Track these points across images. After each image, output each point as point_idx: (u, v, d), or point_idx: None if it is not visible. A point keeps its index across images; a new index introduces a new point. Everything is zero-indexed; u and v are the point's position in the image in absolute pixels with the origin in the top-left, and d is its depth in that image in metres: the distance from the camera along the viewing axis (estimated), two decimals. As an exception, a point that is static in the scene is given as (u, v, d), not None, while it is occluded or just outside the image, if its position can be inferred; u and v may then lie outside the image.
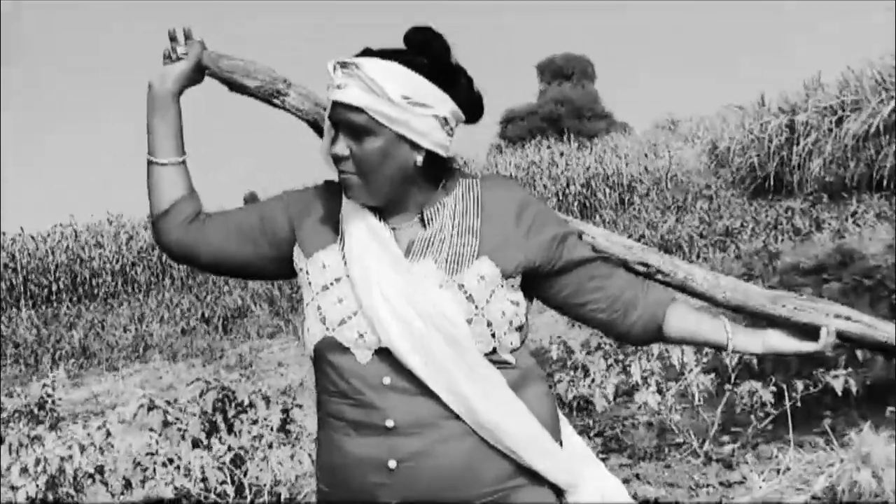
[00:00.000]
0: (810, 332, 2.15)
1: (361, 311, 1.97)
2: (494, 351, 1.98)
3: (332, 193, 2.13)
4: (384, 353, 1.96)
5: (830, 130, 18.09)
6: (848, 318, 2.16)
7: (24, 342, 14.61)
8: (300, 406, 6.03)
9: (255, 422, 5.83)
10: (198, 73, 2.23)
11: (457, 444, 1.94)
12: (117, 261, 22.08)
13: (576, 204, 21.78)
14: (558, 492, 2.06)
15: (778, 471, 5.09)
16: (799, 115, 18.99)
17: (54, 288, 21.22)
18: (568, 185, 22.06)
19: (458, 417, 1.95)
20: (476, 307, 1.95)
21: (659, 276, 2.22)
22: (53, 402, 8.21)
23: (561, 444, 2.08)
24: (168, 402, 5.96)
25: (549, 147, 25.20)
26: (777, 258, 12.46)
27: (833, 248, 12.31)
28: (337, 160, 2.00)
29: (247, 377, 6.36)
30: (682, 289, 2.23)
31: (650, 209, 19.82)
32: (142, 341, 13.68)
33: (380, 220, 2.04)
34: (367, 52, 2.00)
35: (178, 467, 5.52)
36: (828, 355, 2.34)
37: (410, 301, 1.94)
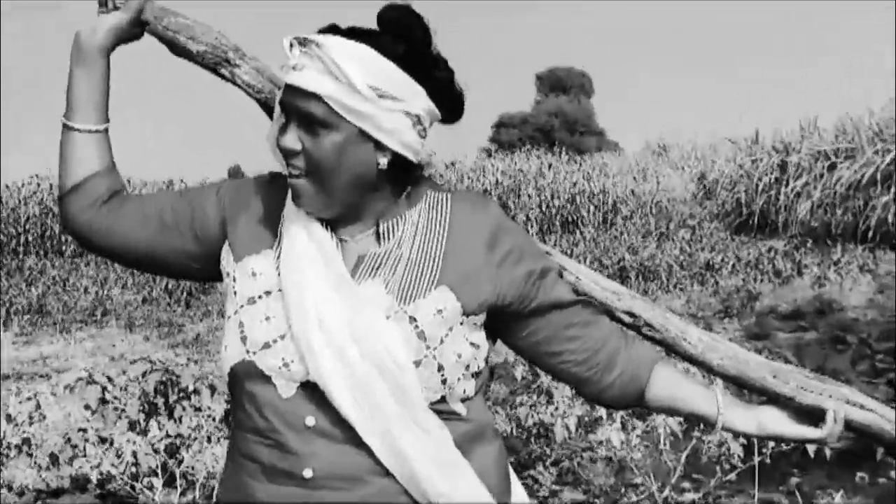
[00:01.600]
0: (811, 413, 1.85)
1: (290, 335, 1.65)
2: (443, 399, 1.67)
3: (276, 188, 1.79)
4: (311, 389, 1.63)
5: (822, 175, 18.02)
6: (863, 407, 1.85)
7: (-19, 292, 14.29)
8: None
9: (197, 409, 5.54)
10: (136, 28, 1.89)
11: None
12: (88, 220, 21.75)
13: (558, 218, 21.61)
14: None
15: (738, 528, 4.84)
16: (792, 156, 18.94)
17: (22, 240, 20.88)
18: (552, 199, 21.90)
19: (388, 474, 1.63)
20: (427, 346, 1.63)
21: (646, 330, 1.89)
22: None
23: None
24: (109, 379, 5.66)
25: (538, 157, 25.01)
26: (756, 299, 12.28)
27: (812, 296, 12.17)
28: (286, 154, 1.67)
29: (195, 361, 6.07)
30: (672, 348, 1.90)
31: (632, 232, 19.67)
32: (100, 305, 13.34)
33: (327, 227, 1.72)
34: (332, 30, 1.67)
35: (108, 448, 5.23)
36: (831, 447, 2.04)
37: (351, 331, 1.62)
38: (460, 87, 1.75)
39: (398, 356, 1.61)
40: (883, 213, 16.08)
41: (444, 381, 1.65)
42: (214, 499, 5.08)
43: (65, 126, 1.84)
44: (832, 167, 17.94)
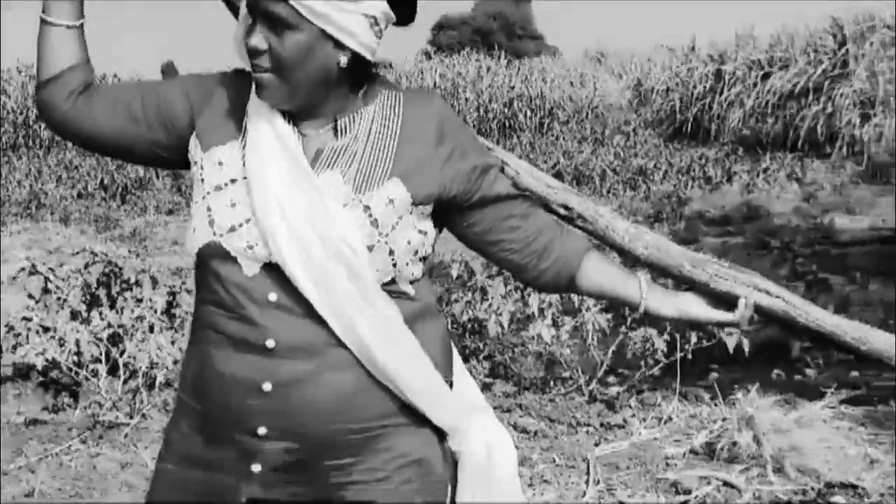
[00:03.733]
0: (728, 301, 2.03)
1: (254, 220, 1.79)
2: (393, 281, 1.83)
3: (240, 84, 1.91)
4: (273, 268, 1.79)
5: (755, 84, 18.20)
6: (768, 293, 2.04)
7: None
8: (189, 291, 5.85)
9: (139, 301, 5.64)
10: None
11: (339, 373, 1.80)
12: (21, 112, 21.38)
13: (495, 122, 21.67)
14: (441, 436, 1.93)
15: (660, 419, 5.08)
16: (727, 65, 19.09)
17: (-46, 134, 20.50)
18: (490, 102, 21.90)
19: (343, 346, 1.80)
20: (380, 233, 1.79)
21: (579, 222, 2.06)
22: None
23: (451, 385, 1.95)
24: (51, 269, 5.73)
25: (477, 60, 24.93)
26: (686, 204, 12.54)
27: (741, 202, 12.45)
28: (252, 54, 1.78)
29: (136, 254, 6.15)
30: (602, 238, 2.08)
31: (568, 137, 19.79)
32: (35, 199, 13.26)
33: (289, 122, 1.84)
34: None
35: (52, 337, 5.33)
36: (742, 329, 2.23)
37: (309, 218, 1.77)
38: None
39: (353, 241, 1.76)
40: (813, 122, 16.34)
41: (394, 265, 1.81)
42: (157, 386, 5.24)
43: (42, 21, 1.93)
44: (766, 76, 18.14)
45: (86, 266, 5.62)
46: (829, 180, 13.98)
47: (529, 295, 5.60)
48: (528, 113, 21.90)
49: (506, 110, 21.88)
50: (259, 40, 1.76)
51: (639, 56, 27.77)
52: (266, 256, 1.78)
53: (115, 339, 5.38)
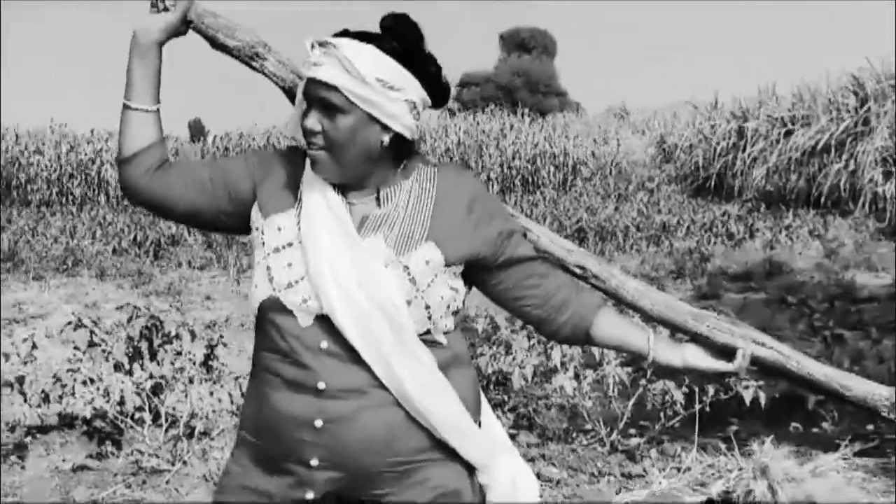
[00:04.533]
0: (728, 352, 2.29)
1: (308, 278, 2.07)
2: (429, 332, 2.10)
3: (294, 159, 2.21)
4: (324, 320, 2.06)
5: (778, 141, 18.40)
6: (763, 345, 2.29)
7: (-49, 240, 14.43)
8: (225, 344, 6.11)
9: (178, 353, 5.89)
10: (183, 26, 2.28)
11: (381, 412, 2.07)
12: (55, 170, 21.87)
13: (518, 178, 21.93)
14: (471, 471, 2.18)
15: (678, 469, 5.26)
16: (750, 122, 19.31)
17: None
18: (514, 159, 22.19)
19: (385, 388, 2.07)
20: (417, 289, 2.07)
21: (593, 281, 2.35)
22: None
23: (480, 424, 2.21)
24: (94, 322, 6.00)
25: (500, 117, 25.26)
26: (708, 260, 12.69)
27: (763, 258, 12.60)
28: (308, 134, 2.08)
29: (176, 308, 6.41)
30: (614, 296, 2.36)
31: (591, 194, 20.04)
32: (71, 255, 13.58)
33: (338, 192, 2.13)
34: (344, 34, 2.08)
35: (97, 388, 5.58)
36: (741, 378, 2.48)
37: (356, 275, 2.05)
38: (446, 80, 2.18)
39: (394, 297, 2.05)
40: (835, 179, 16.51)
41: (429, 318, 2.10)
42: (196, 435, 5.47)
43: (125, 106, 2.23)
44: (788, 134, 18.36)
45: (129, 320, 5.87)
46: (851, 237, 14.12)
47: (552, 349, 5.82)
48: (552, 169, 22.17)
49: (529, 166, 22.16)
50: (314, 122, 2.06)
51: (661, 112, 28.09)
52: (318, 309, 2.06)
53: (156, 391, 5.63)
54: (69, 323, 5.83)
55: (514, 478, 2.20)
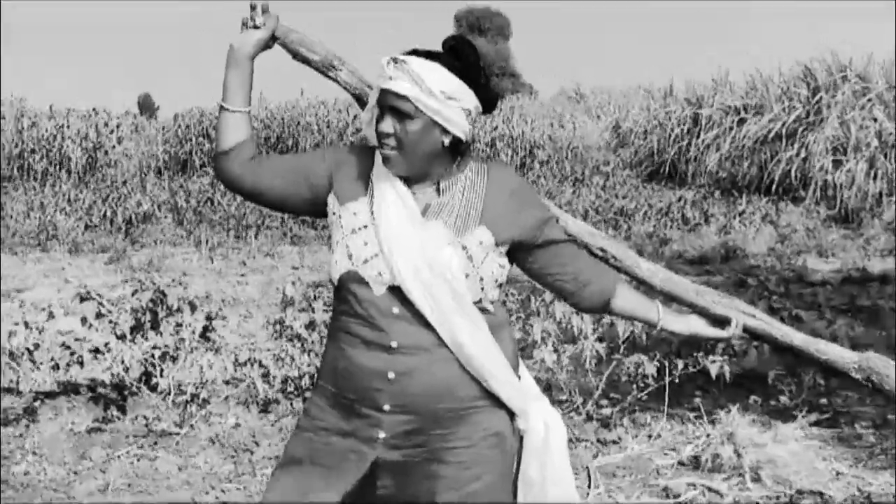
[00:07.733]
0: (721, 322, 2.77)
1: (382, 255, 2.48)
2: (480, 301, 2.52)
3: (364, 154, 2.62)
4: (396, 290, 2.48)
5: (731, 129, 18.77)
6: (753, 316, 2.79)
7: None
8: (224, 318, 6.48)
9: (178, 325, 6.22)
10: (271, 41, 2.68)
11: (443, 365, 2.49)
12: (16, 145, 21.88)
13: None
14: (511, 417, 2.61)
15: (650, 436, 5.70)
16: (704, 109, 19.64)
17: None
18: (473, 141, 22.31)
19: (446, 346, 2.48)
20: (473, 265, 2.49)
21: (612, 261, 2.80)
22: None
23: (519, 378, 2.64)
24: (99, 295, 6.32)
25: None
26: (666, 244, 13.13)
27: (718, 243, 13.05)
28: (382, 136, 2.48)
29: (179, 282, 6.69)
30: (629, 273, 2.82)
31: (548, 177, 20.35)
32: (45, 230, 13.76)
33: (404, 183, 2.54)
34: (414, 52, 2.49)
35: (104, 356, 5.94)
36: (733, 342, 2.93)
37: (423, 254, 2.46)
38: (496, 91, 2.60)
39: (455, 270, 2.46)
40: (787, 167, 16.86)
41: (482, 289, 2.52)
42: (199, 402, 5.82)
43: (222, 108, 2.64)
44: (741, 122, 18.75)
45: (134, 293, 6.21)
46: (802, 223, 14.58)
47: (532, 326, 6.22)
48: (510, 152, 22.40)
49: (488, 149, 22.33)
50: (388, 126, 2.48)
51: (616, 97, 28.35)
52: (390, 281, 2.48)
53: (163, 359, 5.99)
54: (77, 295, 6.15)
55: (546, 423, 2.63)
